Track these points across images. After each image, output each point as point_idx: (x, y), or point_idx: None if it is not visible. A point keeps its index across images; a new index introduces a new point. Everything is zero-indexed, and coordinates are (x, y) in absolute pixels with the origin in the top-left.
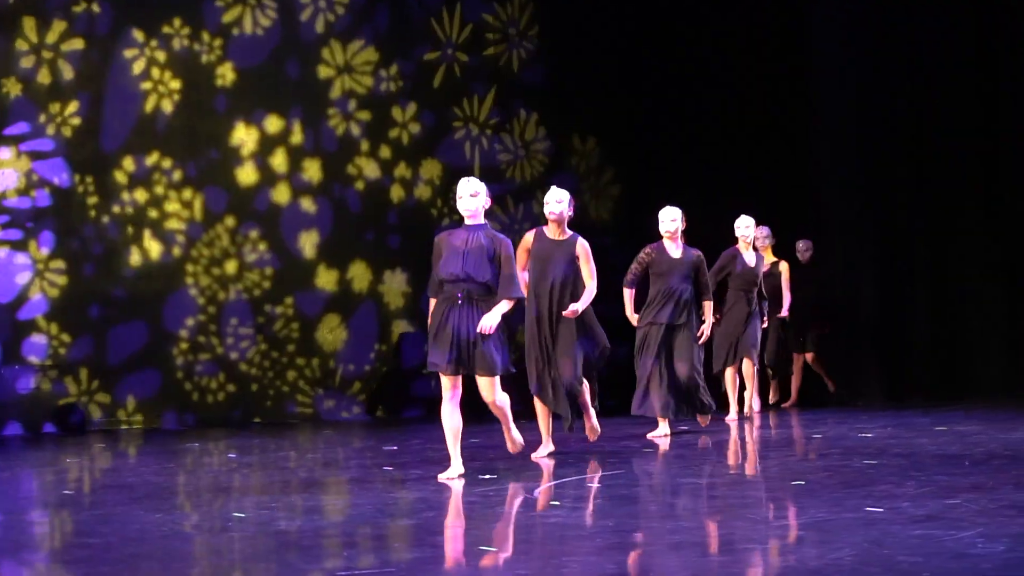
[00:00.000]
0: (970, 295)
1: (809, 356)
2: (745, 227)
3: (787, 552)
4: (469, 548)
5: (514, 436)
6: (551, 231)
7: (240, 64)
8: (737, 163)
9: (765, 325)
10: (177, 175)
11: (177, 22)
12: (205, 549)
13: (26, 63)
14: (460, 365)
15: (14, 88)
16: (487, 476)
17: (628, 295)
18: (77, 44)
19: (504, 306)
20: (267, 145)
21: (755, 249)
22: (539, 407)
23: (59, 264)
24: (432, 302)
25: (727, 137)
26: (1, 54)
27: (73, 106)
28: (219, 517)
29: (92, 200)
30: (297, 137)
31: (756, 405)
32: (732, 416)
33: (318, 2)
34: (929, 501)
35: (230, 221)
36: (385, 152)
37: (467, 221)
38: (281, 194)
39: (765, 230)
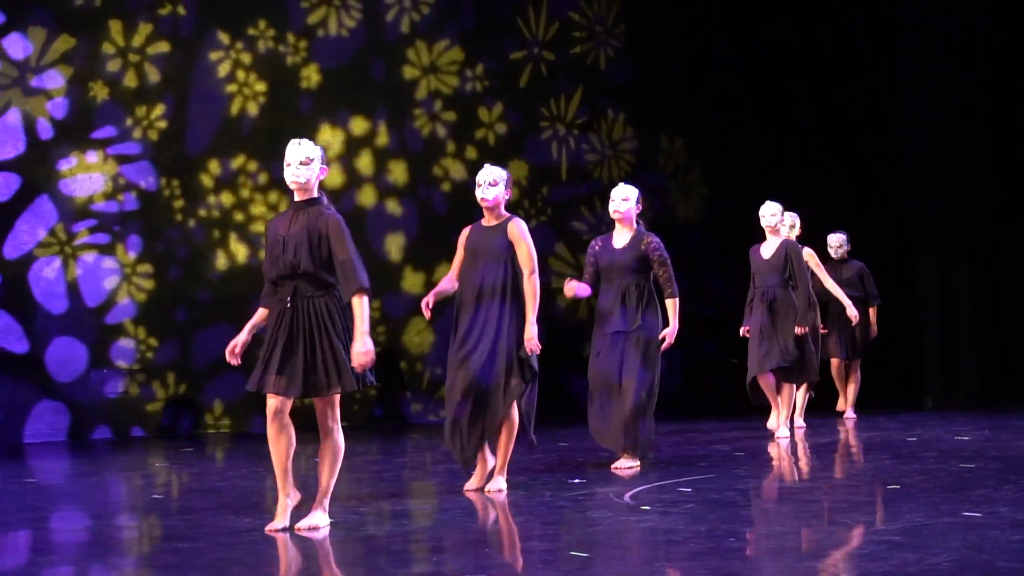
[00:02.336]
0: None
1: (834, 362)
2: (771, 215)
3: (884, 557)
4: (560, 553)
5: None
6: (486, 219)
7: (325, 65)
8: (827, 161)
9: (801, 332)
10: (263, 178)
11: (262, 24)
12: (294, 554)
13: (112, 66)
14: (292, 386)
15: (101, 91)
16: (577, 480)
17: (585, 294)
18: (163, 47)
19: (361, 310)
20: (352, 147)
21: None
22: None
23: (146, 268)
24: (261, 311)
25: (816, 134)
26: (88, 57)
27: (159, 109)
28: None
29: (178, 203)
30: (383, 138)
31: (798, 418)
32: (773, 423)
33: (403, 2)
34: None
35: None
36: (471, 153)
37: (296, 197)
38: (367, 196)
39: (792, 217)
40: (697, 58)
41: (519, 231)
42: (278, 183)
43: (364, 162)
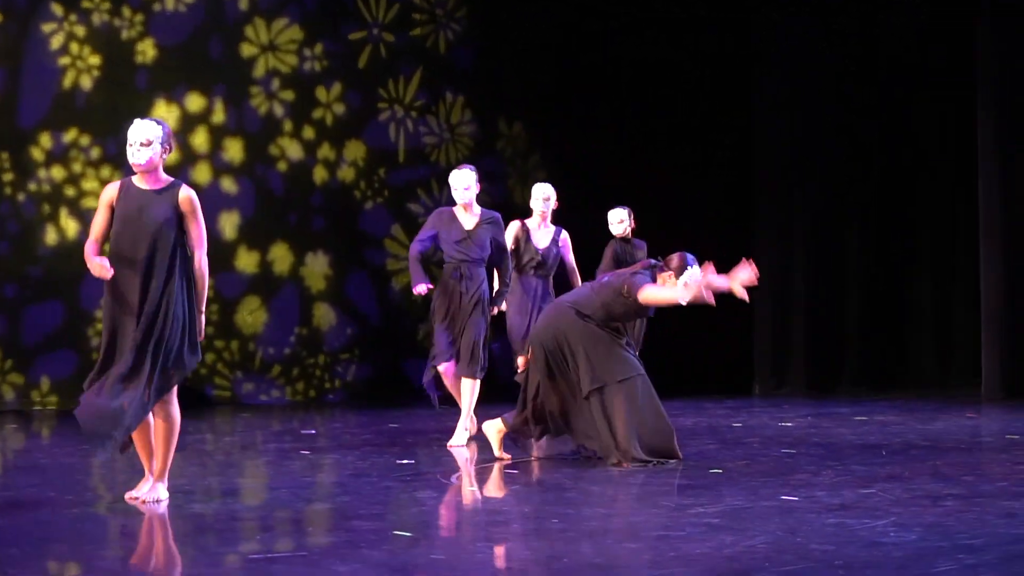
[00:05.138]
0: (901, 286)
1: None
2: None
3: (702, 539)
4: (384, 533)
5: None
6: (140, 180)
7: (162, 41)
8: (667, 153)
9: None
10: (96, 152)
11: None
12: (119, 532)
13: None
14: None
15: None
16: (404, 461)
17: None
18: None
19: None
20: (188, 123)
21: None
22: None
23: None
24: None
25: (658, 125)
26: None
27: None
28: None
29: (7, 177)
30: (219, 116)
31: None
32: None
33: None
34: (845, 490)
35: None
36: (309, 133)
37: None
38: (202, 174)
39: (545, 189)
40: (538, 43)
41: (192, 203)
42: (111, 158)
43: (200, 139)
